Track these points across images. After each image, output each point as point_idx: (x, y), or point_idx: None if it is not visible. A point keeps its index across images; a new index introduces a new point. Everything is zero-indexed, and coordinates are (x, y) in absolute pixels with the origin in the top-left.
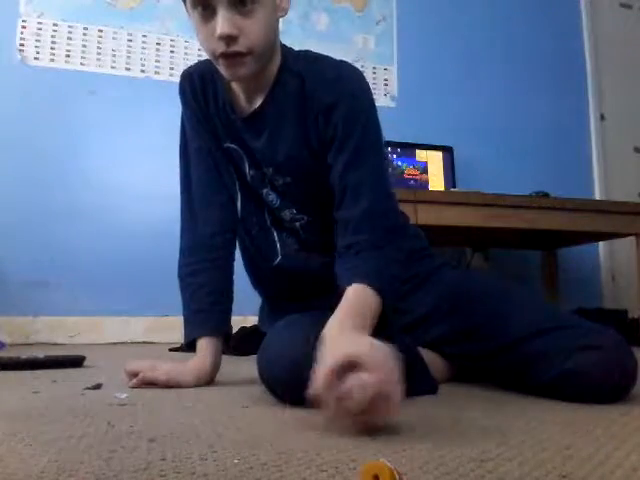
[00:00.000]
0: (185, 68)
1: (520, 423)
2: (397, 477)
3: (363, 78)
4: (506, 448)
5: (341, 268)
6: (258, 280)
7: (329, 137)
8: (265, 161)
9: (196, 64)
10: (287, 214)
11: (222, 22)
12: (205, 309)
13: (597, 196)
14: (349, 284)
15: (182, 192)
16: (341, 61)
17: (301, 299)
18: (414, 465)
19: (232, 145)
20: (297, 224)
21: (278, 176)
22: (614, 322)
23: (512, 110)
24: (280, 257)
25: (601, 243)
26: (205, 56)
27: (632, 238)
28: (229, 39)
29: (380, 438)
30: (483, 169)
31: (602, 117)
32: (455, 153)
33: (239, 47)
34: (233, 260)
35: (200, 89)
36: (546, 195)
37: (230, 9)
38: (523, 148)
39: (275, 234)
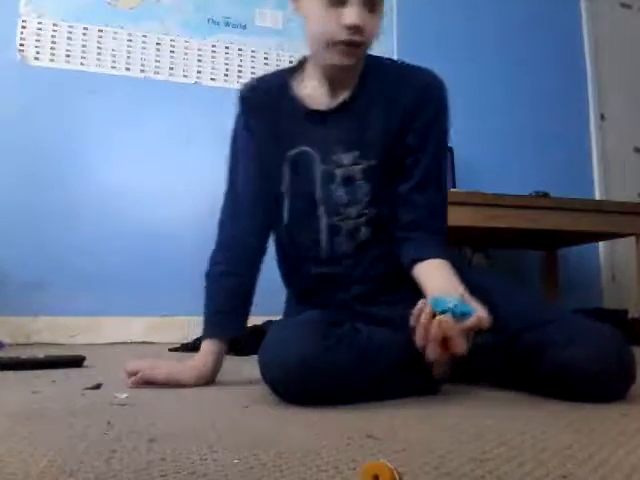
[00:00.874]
0: (244, 85)
1: (520, 423)
2: (397, 477)
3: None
4: (506, 448)
5: (421, 244)
6: (292, 279)
7: (413, 131)
8: (351, 145)
9: (258, 80)
10: (353, 211)
11: (356, 14)
12: (223, 311)
13: (597, 196)
14: (434, 257)
15: (228, 190)
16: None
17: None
18: (414, 465)
19: (303, 148)
20: (363, 219)
21: (362, 159)
22: (614, 322)
23: (512, 110)
24: (324, 262)
25: (601, 243)
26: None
27: (632, 238)
28: (356, 29)
29: (380, 438)
30: (483, 169)
31: (602, 117)
32: (455, 153)
33: (361, 38)
34: (261, 264)
35: (266, 103)
36: (546, 195)
37: (361, 3)
38: (523, 148)
39: (325, 240)
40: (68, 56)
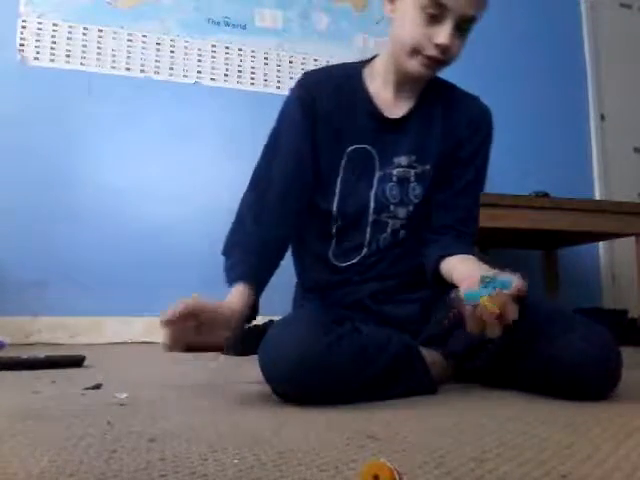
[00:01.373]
0: (308, 72)
1: (520, 423)
2: (397, 477)
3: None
4: (506, 448)
5: (450, 243)
6: (312, 271)
7: (466, 147)
8: (410, 150)
9: (326, 73)
10: (402, 211)
11: (449, 35)
12: (249, 262)
13: (597, 196)
14: (462, 254)
15: (256, 186)
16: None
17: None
18: (414, 465)
19: (362, 146)
20: (405, 220)
21: (418, 164)
22: (614, 322)
23: (512, 110)
24: (360, 256)
25: (601, 243)
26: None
27: (632, 238)
28: (445, 49)
29: (380, 438)
30: None
31: (602, 117)
32: None
33: (445, 57)
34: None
35: (334, 97)
36: (546, 195)
37: (454, 25)
38: (523, 148)
39: (368, 234)
40: (68, 56)
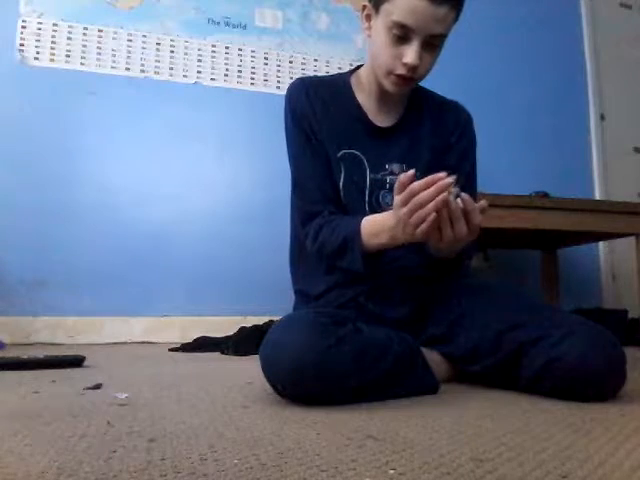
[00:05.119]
0: (303, 77)
1: (520, 423)
2: None
3: None
4: (506, 448)
5: None
6: (316, 274)
7: (453, 153)
8: (401, 158)
9: (320, 78)
10: None
11: (415, 55)
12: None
13: (597, 196)
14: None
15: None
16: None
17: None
18: (414, 465)
19: (352, 151)
20: None
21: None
22: (614, 322)
23: (512, 110)
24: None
25: (601, 243)
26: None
27: (632, 238)
28: (413, 68)
29: (380, 438)
30: (483, 169)
31: (602, 117)
32: None
33: (415, 74)
34: None
35: (329, 100)
36: (546, 195)
37: (421, 44)
38: (523, 148)
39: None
40: (68, 56)
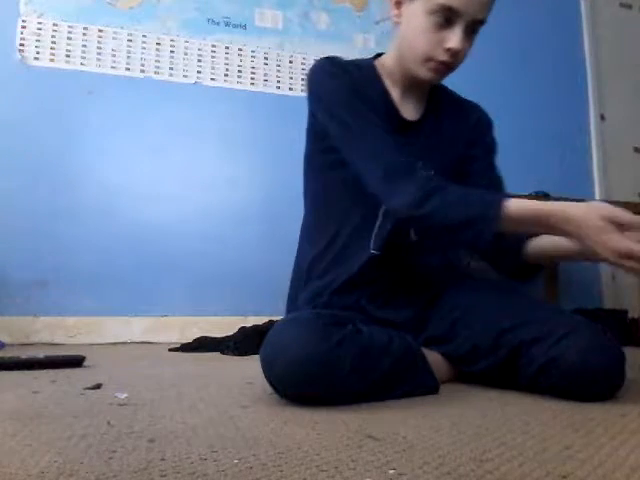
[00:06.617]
0: (328, 57)
1: (520, 423)
2: None
3: None
4: (506, 448)
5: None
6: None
7: (477, 147)
8: (420, 157)
9: (354, 63)
10: None
11: (460, 40)
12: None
13: (597, 196)
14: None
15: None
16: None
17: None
18: (414, 465)
19: None
20: None
21: (425, 170)
22: (614, 322)
23: (512, 110)
24: (371, 249)
25: None
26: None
27: None
28: (454, 53)
29: (380, 438)
30: None
31: (602, 117)
32: None
33: (455, 61)
34: None
35: (357, 82)
36: (546, 195)
37: (464, 29)
38: (523, 148)
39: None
40: (68, 56)
